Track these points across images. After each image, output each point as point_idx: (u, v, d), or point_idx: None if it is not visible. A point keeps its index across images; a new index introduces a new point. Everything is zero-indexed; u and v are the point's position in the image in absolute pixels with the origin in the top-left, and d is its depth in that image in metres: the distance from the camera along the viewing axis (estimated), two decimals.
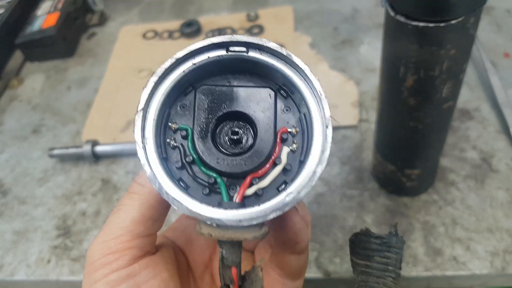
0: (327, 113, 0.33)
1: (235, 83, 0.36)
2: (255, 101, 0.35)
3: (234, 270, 0.33)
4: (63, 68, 1.19)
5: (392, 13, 0.52)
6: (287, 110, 0.36)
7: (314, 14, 1.21)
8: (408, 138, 0.65)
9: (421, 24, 0.49)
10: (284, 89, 0.36)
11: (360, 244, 0.41)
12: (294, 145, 0.35)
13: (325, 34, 1.13)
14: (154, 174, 0.32)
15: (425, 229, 0.73)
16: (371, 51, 1.06)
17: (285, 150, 0.35)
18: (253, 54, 0.35)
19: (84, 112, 1.04)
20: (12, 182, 0.92)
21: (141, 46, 1.20)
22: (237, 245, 0.33)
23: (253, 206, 0.32)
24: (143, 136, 0.33)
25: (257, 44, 0.35)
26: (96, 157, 0.91)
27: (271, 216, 0.31)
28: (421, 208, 0.75)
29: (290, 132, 0.35)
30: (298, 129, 0.35)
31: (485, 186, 0.77)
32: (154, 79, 0.34)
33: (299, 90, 0.35)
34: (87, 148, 0.90)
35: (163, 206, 0.40)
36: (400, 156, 0.70)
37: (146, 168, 0.32)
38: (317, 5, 1.24)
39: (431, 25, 0.49)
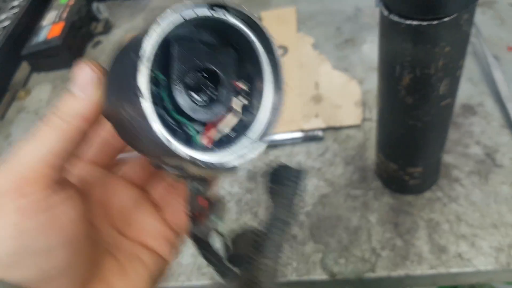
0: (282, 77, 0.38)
1: (207, 42, 0.40)
2: (221, 59, 0.39)
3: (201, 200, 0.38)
4: (70, 77, 1.20)
5: (385, 13, 0.52)
6: (244, 69, 0.40)
7: (317, 15, 1.21)
8: (408, 137, 0.65)
9: (414, 22, 0.49)
10: (246, 53, 0.40)
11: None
12: (247, 101, 0.40)
13: (328, 34, 1.14)
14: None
15: (430, 226, 0.72)
16: (374, 49, 1.05)
17: (240, 103, 0.39)
18: (230, 18, 0.39)
19: None
20: None
21: None
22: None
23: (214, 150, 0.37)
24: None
25: (232, 9, 0.38)
26: None
27: (231, 165, 0.35)
28: (425, 205, 0.75)
29: (243, 89, 0.40)
30: (249, 85, 0.40)
31: (489, 181, 0.76)
32: (155, 27, 0.36)
33: (258, 52, 0.39)
34: None
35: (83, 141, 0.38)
36: (401, 155, 0.70)
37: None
38: (320, 5, 1.23)
39: (424, 23, 0.49)
